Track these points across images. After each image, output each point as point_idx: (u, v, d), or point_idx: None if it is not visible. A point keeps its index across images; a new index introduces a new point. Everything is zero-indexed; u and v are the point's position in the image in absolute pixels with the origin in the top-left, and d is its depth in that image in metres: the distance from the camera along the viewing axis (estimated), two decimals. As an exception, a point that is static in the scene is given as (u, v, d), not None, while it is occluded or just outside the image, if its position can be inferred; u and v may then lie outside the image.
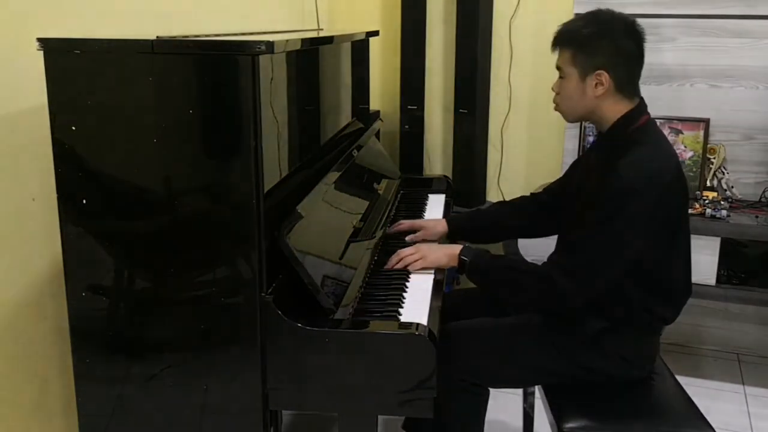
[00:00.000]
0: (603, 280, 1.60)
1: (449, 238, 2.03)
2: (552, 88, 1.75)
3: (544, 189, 2.04)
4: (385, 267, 1.80)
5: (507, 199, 3.20)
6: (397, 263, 1.79)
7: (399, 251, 1.83)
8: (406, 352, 1.39)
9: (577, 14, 1.71)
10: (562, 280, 1.59)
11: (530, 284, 1.66)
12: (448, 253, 1.77)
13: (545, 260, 1.67)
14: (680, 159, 2.71)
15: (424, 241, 1.96)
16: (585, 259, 1.59)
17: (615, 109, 1.66)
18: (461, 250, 1.76)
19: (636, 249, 1.59)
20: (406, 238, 1.98)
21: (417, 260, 1.77)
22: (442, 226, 2.02)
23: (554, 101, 1.75)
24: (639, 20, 1.66)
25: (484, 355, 1.72)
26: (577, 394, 1.70)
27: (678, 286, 1.71)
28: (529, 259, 2.80)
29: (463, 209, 3.08)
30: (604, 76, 1.62)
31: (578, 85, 1.66)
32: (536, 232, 2.03)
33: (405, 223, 2.05)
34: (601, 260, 1.59)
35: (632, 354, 1.71)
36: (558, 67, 1.70)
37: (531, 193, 2.07)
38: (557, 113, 1.77)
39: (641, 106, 1.68)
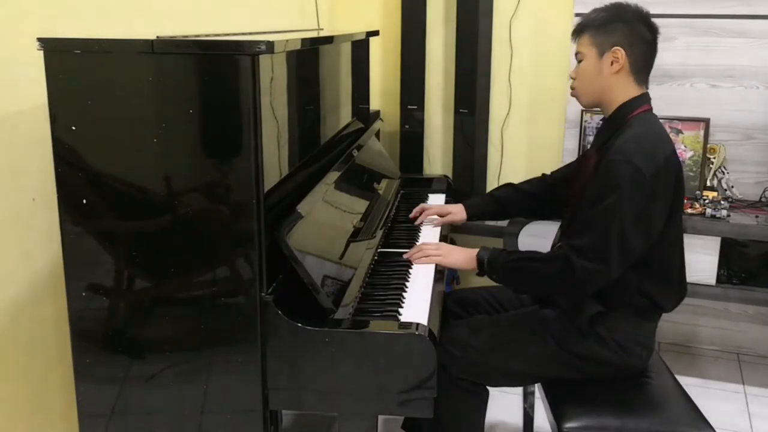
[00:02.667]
0: (615, 255, 1.60)
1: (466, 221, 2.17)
2: (570, 75, 1.82)
3: (552, 173, 2.09)
4: (404, 256, 1.86)
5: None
6: (417, 254, 1.85)
7: (421, 244, 1.89)
8: (406, 352, 1.39)
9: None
10: (577, 260, 1.61)
11: (549, 271, 1.67)
12: (467, 255, 1.80)
13: (560, 242, 1.69)
14: (680, 159, 2.73)
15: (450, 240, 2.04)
16: (594, 236, 1.61)
17: (624, 91, 1.72)
18: (478, 252, 1.78)
19: (640, 221, 1.60)
20: (434, 222, 2.14)
21: (437, 256, 1.83)
22: (463, 212, 2.15)
23: (571, 86, 1.81)
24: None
25: (483, 353, 1.73)
26: (577, 393, 1.70)
27: (672, 273, 1.73)
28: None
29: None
30: (621, 53, 1.69)
31: (596, 64, 1.72)
32: (538, 215, 2.15)
33: (434, 208, 2.18)
34: (609, 234, 1.60)
35: (628, 339, 1.71)
36: (576, 53, 1.77)
37: (542, 174, 2.13)
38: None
39: (645, 97, 1.75)
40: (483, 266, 1.76)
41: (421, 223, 2.15)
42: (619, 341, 1.70)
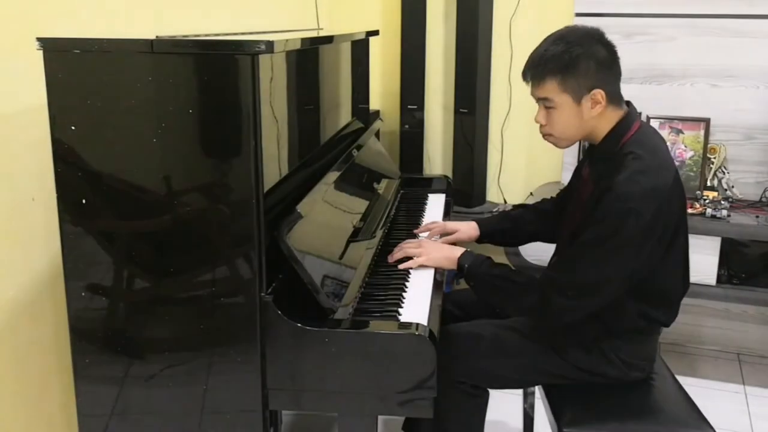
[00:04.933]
0: (598, 298, 1.60)
1: (478, 241, 2.05)
2: (536, 120, 1.68)
3: (557, 194, 2.03)
4: (388, 258, 1.81)
5: (511, 197, 3.22)
6: (398, 254, 1.81)
7: (402, 244, 1.85)
8: (406, 352, 1.39)
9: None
10: (556, 296, 1.59)
11: (524, 298, 1.65)
12: (449, 255, 1.78)
13: (543, 272, 1.66)
14: (681, 159, 2.74)
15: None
16: (581, 278, 1.58)
17: (608, 122, 1.64)
18: (461, 255, 1.76)
19: (633, 267, 1.58)
20: (440, 240, 2.00)
21: (419, 257, 1.78)
22: (475, 230, 2.02)
23: (543, 132, 1.69)
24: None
25: (484, 357, 1.72)
26: (577, 394, 1.70)
27: (674, 294, 1.71)
28: (530, 260, 2.80)
29: (463, 209, 3.09)
30: (600, 94, 1.59)
31: (574, 111, 1.61)
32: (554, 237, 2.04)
33: (438, 225, 2.05)
34: (598, 280, 1.58)
35: (631, 356, 1.70)
36: (542, 99, 1.64)
37: (551, 197, 2.07)
38: None
39: (631, 113, 1.67)
40: (463, 271, 1.74)
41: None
42: (623, 358, 1.70)
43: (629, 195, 1.52)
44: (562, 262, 1.69)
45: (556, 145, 1.72)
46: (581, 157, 2.78)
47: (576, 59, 1.58)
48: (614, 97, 1.64)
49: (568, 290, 1.58)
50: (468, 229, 2.02)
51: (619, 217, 1.52)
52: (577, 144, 2.89)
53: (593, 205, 1.60)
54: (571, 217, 1.77)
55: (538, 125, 1.71)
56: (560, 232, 1.85)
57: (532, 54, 1.65)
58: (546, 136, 1.70)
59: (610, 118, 1.64)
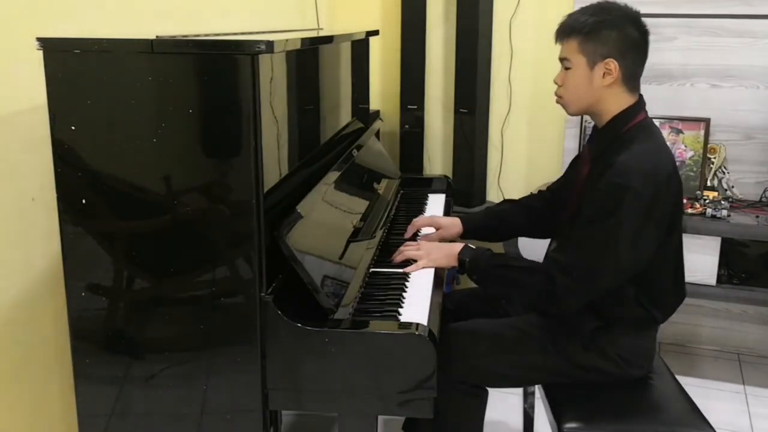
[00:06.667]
0: (602, 278, 1.60)
1: (462, 237, 2.03)
2: (555, 81, 1.73)
3: (547, 188, 2.04)
4: (390, 259, 1.82)
5: (511, 197, 3.21)
6: (398, 257, 1.81)
7: (402, 248, 1.85)
8: (406, 352, 1.39)
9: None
10: (561, 277, 1.59)
11: (529, 282, 1.65)
12: (448, 252, 1.78)
13: (547, 254, 1.67)
14: (681, 159, 2.74)
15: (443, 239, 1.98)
16: (584, 257, 1.59)
17: (617, 102, 1.66)
18: (461, 250, 1.76)
19: (634, 249, 1.58)
20: (423, 235, 2.01)
21: (419, 259, 1.78)
22: (458, 227, 2.02)
23: (557, 93, 1.73)
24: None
25: (483, 356, 1.72)
26: (577, 394, 1.70)
27: (667, 286, 1.71)
28: (528, 257, 2.80)
29: (463, 209, 3.08)
30: (613, 65, 1.62)
31: (586, 74, 1.65)
32: (543, 232, 2.04)
33: (424, 219, 2.06)
34: (600, 257, 1.58)
35: (629, 353, 1.70)
36: (563, 59, 1.69)
37: (539, 190, 2.06)
38: (558, 112, 1.75)
39: (640, 103, 1.69)
40: (464, 266, 1.74)
41: (416, 234, 2.03)
42: (622, 354, 1.70)
43: (629, 173, 1.55)
44: (564, 243, 1.69)
45: (564, 108, 1.74)
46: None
47: (600, 25, 1.62)
48: (630, 78, 1.66)
49: (572, 269, 1.59)
50: (452, 225, 2.02)
51: (619, 194, 1.54)
52: (577, 144, 2.90)
53: (593, 184, 1.61)
54: (571, 198, 1.78)
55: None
56: (559, 215, 1.85)
57: (566, 17, 1.71)
58: (558, 98, 1.74)
59: (620, 97, 1.66)
